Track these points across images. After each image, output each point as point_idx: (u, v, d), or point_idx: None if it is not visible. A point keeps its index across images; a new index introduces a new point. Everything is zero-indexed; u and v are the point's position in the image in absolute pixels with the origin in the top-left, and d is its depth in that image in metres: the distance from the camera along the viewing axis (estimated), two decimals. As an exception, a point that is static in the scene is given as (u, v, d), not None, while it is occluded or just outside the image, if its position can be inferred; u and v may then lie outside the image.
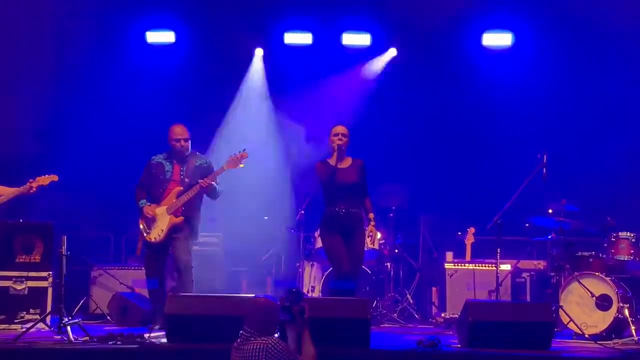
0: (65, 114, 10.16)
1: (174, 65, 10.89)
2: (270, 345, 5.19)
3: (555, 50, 10.37)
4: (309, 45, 10.77)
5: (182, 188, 7.69)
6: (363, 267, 8.29)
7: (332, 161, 7.40)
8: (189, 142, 7.83)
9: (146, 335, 6.54)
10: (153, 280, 7.73)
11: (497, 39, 10.64)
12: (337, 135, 7.43)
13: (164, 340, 6.46)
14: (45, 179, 7.81)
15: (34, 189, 7.75)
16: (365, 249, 8.99)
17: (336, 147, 7.35)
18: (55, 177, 7.86)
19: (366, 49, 10.82)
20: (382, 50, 10.88)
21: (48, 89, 10.25)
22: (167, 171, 7.78)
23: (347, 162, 7.48)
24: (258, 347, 5.19)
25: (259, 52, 11.04)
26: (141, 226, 7.76)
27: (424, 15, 10.44)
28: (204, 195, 7.87)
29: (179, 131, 7.81)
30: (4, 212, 7.98)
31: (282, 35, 10.80)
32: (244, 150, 7.72)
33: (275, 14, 10.67)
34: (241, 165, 7.70)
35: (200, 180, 7.64)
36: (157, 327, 7.33)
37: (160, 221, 7.66)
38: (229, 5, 10.56)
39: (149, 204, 7.74)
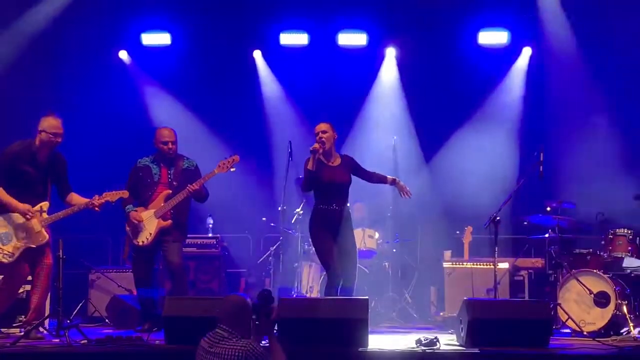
0: (61, 115, 10.14)
1: (170, 67, 10.90)
2: (249, 350, 5.06)
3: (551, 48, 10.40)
4: (305, 45, 10.80)
5: (170, 191, 7.55)
6: (361, 266, 8.28)
7: (321, 158, 7.25)
8: (177, 145, 7.69)
9: (144, 337, 6.53)
10: (142, 289, 7.65)
11: (493, 37, 10.66)
12: (316, 134, 7.26)
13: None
14: (112, 195, 7.19)
15: (97, 207, 7.11)
16: (364, 248, 9.02)
17: (311, 150, 7.12)
18: (125, 193, 7.29)
19: (362, 49, 10.84)
20: (378, 49, 10.89)
21: (42, 90, 10.22)
22: (155, 174, 7.63)
23: (337, 160, 7.37)
24: (237, 353, 5.05)
25: (257, 55, 11.05)
26: (128, 229, 7.66)
27: (420, 13, 10.49)
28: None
29: (167, 134, 7.68)
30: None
31: (278, 36, 10.82)
32: (235, 154, 7.58)
33: (271, 15, 10.69)
34: (232, 169, 7.56)
35: (189, 186, 7.48)
36: (146, 327, 7.34)
37: (147, 224, 7.53)
38: (225, 5, 10.57)
39: (135, 209, 7.59)
